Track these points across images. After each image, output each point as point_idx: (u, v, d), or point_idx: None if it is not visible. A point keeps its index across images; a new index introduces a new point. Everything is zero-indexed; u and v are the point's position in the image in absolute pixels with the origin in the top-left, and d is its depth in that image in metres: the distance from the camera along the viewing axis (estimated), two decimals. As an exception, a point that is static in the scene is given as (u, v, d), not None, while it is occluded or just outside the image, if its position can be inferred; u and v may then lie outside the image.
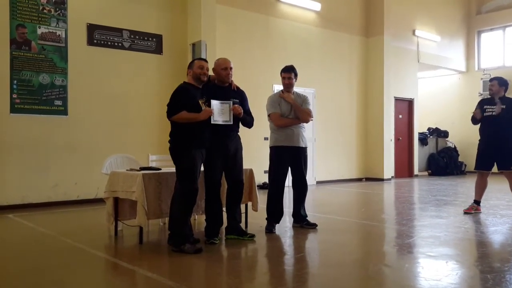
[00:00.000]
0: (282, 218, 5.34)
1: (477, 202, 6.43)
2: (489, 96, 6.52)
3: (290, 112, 5.23)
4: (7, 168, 6.99)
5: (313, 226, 5.36)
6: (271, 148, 5.29)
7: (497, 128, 6.11)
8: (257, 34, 9.83)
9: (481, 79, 14.46)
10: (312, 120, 5.38)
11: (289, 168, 5.32)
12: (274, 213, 5.23)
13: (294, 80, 5.33)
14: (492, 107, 6.16)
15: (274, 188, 5.25)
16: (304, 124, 5.33)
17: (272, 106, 5.26)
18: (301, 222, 5.39)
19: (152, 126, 8.32)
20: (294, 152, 5.23)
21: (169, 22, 8.69)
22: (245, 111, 4.64)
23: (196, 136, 4.26)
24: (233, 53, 8.66)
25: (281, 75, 5.36)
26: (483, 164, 6.31)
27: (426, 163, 14.09)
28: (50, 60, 7.35)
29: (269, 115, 5.28)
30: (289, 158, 5.23)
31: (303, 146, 5.28)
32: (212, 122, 4.35)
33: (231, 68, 4.60)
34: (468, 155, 13.68)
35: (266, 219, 5.24)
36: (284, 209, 5.35)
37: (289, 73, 5.31)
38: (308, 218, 5.45)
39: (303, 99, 5.34)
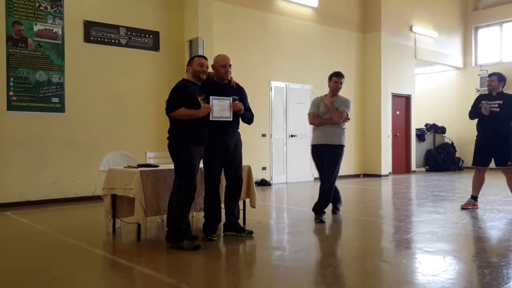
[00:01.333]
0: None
1: (474, 197, 6.45)
2: (486, 92, 6.53)
3: (327, 113, 5.70)
4: (5, 166, 6.97)
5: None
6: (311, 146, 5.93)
7: (494, 124, 6.11)
8: (255, 30, 9.82)
9: (478, 75, 14.48)
10: (347, 121, 5.84)
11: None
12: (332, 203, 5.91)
13: (341, 84, 5.86)
14: (490, 102, 6.17)
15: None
16: (344, 124, 5.83)
17: (312, 107, 5.87)
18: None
19: (149, 123, 8.31)
20: (324, 149, 5.70)
21: (166, 19, 8.67)
22: (245, 108, 4.63)
23: (194, 133, 4.26)
24: (230, 50, 8.64)
25: (331, 80, 5.85)
26: (481, 160, 6.32)
27: (423, 159, 14.12)
28: (47, 57, 7.33)
29: (308, 115, 5.86)
30: (321, 155, 5.76)
31: (333, 143, 5.68)
32: (211, 119, 4.35)
33: (230, 65, 4.59)
34: (465, 151, 13.72)
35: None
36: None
37: (340, 77, 5.85)
38: (308, 215, 5.44)
39: (342, 102, 5.78)
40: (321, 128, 5.73)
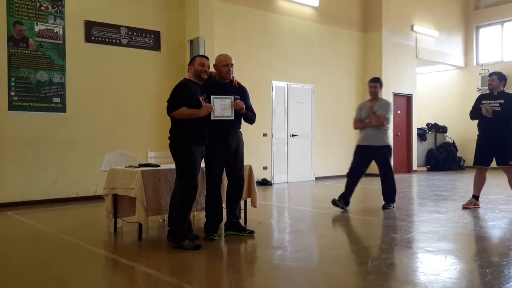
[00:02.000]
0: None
1: (475, 197, 6.44)
2: (487, 92, 6.51)
3: (368, 116, 6.27)
4: (6, 166, 6.98)
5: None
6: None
7: (495, 123, 6.10)
8: (256, 30, 9.81)
9: (480, 74, 14.46)
10: (386, 124, 6.25)
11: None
12: (344, 194, 6.32)
13: (379, 88, 6.35)
14: (490, 101, 6.16)
15: (351, 174, 6.42)
16: (386, 125, 6.28)
17: (356, 111, 6.55)
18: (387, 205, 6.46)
19: (150, 122, 8.31)
20: (368, 150, 6.25)
21: (167, 19, 8.67)
22: (247, 107, 4.62)
23: (196, 132, 4.26)
24: (231, 49, 8.62)
25: (368, 85, 6.43)
26: (482, 159, 6.31)
27: (424, 158, 14.11)
28: (48, 57, 7.33)
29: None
30: (364, 155, 6.31)
31: (375, 145, 6.21)
32: (212, 118, 4.34)
33: (232, 65, 4.58)
34: (467, 150, 13.69)
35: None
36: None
37: (375, 82, 6.37)
38: (309, 214, 5.45)
39: (380, 106, 6.25)
40: (365, 130, 6.32)
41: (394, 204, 6.44)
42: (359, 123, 6.41)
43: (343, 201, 6.29)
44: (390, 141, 6.42)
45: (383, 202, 6.49)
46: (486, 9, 14.89)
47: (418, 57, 13.34)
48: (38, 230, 5.33)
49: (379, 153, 6.25)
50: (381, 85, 6.42)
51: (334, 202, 6.26)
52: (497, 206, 6.61)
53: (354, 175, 6.42)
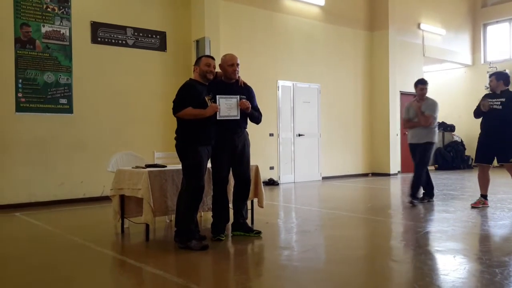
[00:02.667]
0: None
1: (484, 196, 6.40)
2: (490, 92, 6.52)
3: (415, 116, 6.63)
4: (14, 167, 7.02)
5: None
6: None
7: (497, 121, 6.09)
8: (261, 29, 9.80)
9: (487, 72, 14.31)
10: (434, 123, 6.62)
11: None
12: (424, 189, 6.86)
13: (426, 90, 6.73)
14: (493, 100, 6.15)
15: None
16: (433, 124, 6.63)
17: (404, 112, 6.93)
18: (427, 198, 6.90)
19: (157, 123, 8.33)
20: (415, 147, 6.67)
21: (173, 19, 8.68)
22: (253, 107, 4.60)
23: (202, 133, 4.25)
24: (237, 49, 8.62)
25: (416, 87, 6.77)
26: (484, 157, 6.28)
27: (432, 157, 13.99)
28: (55, 59, 7.36)
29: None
30: (414, 151, 6.70)
31: (419, 142, 6.59)
32: (218, 118, 4.33)
33: (238, 64, 4.57)
34: (475, 149, 13.56)
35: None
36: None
37: (424, 85, 6.73)
38: (316, 214, 5.44)
39: (428, 106, 6.61)
40: (413, 129, 6.70)
41: (416, 201, 6.63)
42: (408, 123, 6.76)
43: (427, 197, 6.87)
44: (436, 139, 6.77)
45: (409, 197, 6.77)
46: (494, 6, 14.77)
47: (425, 56, 13.26)
48: (46, 231, 5.35)
49: (422, 148, 6.58)
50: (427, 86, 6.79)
51: (420, 200, 6.77)
52: (506, 205, 6.56)
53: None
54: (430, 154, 6.71)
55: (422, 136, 6.58)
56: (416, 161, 6.71)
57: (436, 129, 6.76)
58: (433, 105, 6.62)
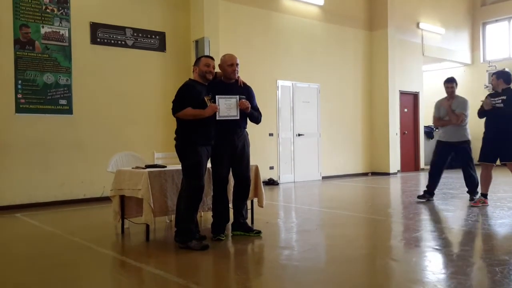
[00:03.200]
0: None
1: (484, 195, 6.40)
2: (493, 90, 6.54)
3: (446, 114, 6.65)
4: (14, 168, 7.02)
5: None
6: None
7: (501, 120, 6.10)
8: (261, 29, 9.80)
9: (487, 71, 14.34)
10: (465, 121, 6.62)
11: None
12: (429, 187, 6.92)
13: (455, 88, 6.75)
14: (496, 99, 6.17)
15: (432, 168, 7.00)
16: (464, 122, 6.63)
17: (434, 110, 6.91)
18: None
19: (156, 123, 8.33)
20: (449, 146, 6.68)
21: (172, 19, 8.68)
22: (252, 107, 4.60)
23: (201, 133, 4.26)
24: (237, 49, 8.62)
25: (445, 86, 6.77)
26: (487, 156, 6.29)
27: (432, 156, 14.00)
28: (54, 60, 7.37)
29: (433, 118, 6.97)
30: (445, 151, 6.76)
31: (456, 141, 6.62)
32: (217, 118, 4.33)
33: (237, 64, 4.57)
34: (475, 148, 13.56)
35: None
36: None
37: (451, 83, 6.75)
38: (316, 214, 5.44)
39: (458, 104, 6.62)
40: (446, 128, 6.71)
41: (477, 195, 6.61)
42: (439, 121, 6.80)
43: (428, 194, 6.85)
44: (469, 136, 6.74)
45: (469, 196, 6.73)
46: (493, 5, 14.77)
47: (425, 55, 13.26)
48: (46, 231, 5.35)
49: (460, 148, 6.61)
50: (456, 84, 6.78)
51: (419, 197, 6.92)
52: (506, 204, 6.56)
53: (436, 169, 6.88)
54: (471, 151, 6.74)
55: (456, 135, 6.62)
56: (462, 161, 6.71)
57: (468, 126, 6.73)
58: (463, 103, 6.62)
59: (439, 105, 6.86)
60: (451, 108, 6.60)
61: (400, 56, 12.31)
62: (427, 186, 6.95)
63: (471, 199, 6.63)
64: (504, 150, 6.13)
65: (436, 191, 7.02)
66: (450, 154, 6.79)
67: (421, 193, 7.04)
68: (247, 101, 4.50)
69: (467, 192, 6.76)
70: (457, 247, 4.22)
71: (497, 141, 6.14)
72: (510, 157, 6.09)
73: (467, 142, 6.68)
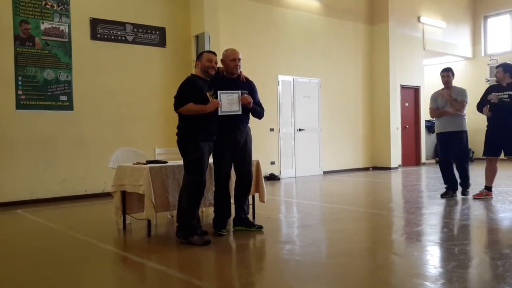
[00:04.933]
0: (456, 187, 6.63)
1: (488, 188, 6.42)
2: (496, 83, 6.52)
3: (446, 104, 6.50)
4: (15, 164, 7.03)
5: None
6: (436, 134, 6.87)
7: (504, 114, 6.10)
8: (261, 24, 9.77)
9: (488, 65, 14.30)
10: (463, 110, 6.49)
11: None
12: (447, 183, 6.69)
13: (451, 77, 6.60)
14: (499, 93, 6.15)
15: (440, 162, 6.81)
16: (462, 112, 6.50)
17: (431, 101, 6.83)
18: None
19: (157, 119, 8.32)
20: (448, 136, 6.53)
21: (172, 15, 8.66)
22: (255, 102, 4.58)
23: (203, 128, 4.25)
24: (237, 44, 8.53)
25: (441, 75, 6.66)
26: (491, 150, 6.30)
27: (433, 151, 14.00)
28: (54, 56, 7.35)
29: (429, 109, 6.86)
30: (446, 141, 6.57)
31: (455, 130, 6.45)
32: (219, 114, 4.31)
33: (239, 59, 4.54)
34: (476, 141, 13.46)
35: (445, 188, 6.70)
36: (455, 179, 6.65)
37: (446, 72, 6.63)
38: (317, 208, 5.44)
39: (458, 92, 6.51)
40: (442, 118, 6.56)
41: (468, 190, 6.60)
42: (436, 111, 6.67)
43: (451, 191, 6.63)
44: (467, 126, 6.63)
45: (461, 189, 6.62)
46: (494, -2, 14.70)
47: (426, 49, 13.22)
48: (48, 227, 5.36)
49: (457, 138, 6.47)
50: (453, 74, 6.64)
51: (442, 196, 6.63)
52: (508, 197, 6.56)
53: (445, 163, 6.68)
54: (468, 143, 6.63)
55: (457, 125, 6.47)
56: (459, 151, 6.54)
57: (466, 117, 6.62)
58: (463, 91, 6.51)
59: (435, 96, 6.72)
60: (451, 97, 6.44)
61: (401, 50, 12.27)
62: (445, 183, 6.75)
63: (463, 194, 6.57)
64: (508, 144, 6.13)
65: (437, 185, 7.03)
66: (451, 143, 6.62)
67: (444, 190, 6.77)
68: (249, 96, 4.48)
69: (459, 184, 6.65)
70: (458, 241, 4.22)
71: (501, 134, 6.14)
72: None
73: (465, 133, 6.54)
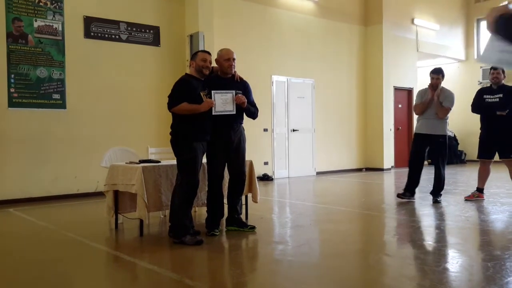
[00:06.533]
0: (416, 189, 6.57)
1: (479, 189, 6.47)
2: (488, 85, 6.56)
3: (432, 105, 6.26)
4: (7, 162, 6.98)
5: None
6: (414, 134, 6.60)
7: (497, 116, 6.13)
8: (255, 24, 9.77)
9: (481, 67, 14.38)
10: (447, 116, 6.36)
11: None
12: (408, 185, 6.53)
13: (441, 80, 6.37)
14: (490, 96, 6.20)
15: (409, 163, 6.65)
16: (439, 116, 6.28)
17: (417, 99, 6.56)
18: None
19: (151, 118, 8.30)
20: (427, 138, 6.31)
21: (166, 14, 8.63)
22: (249, 102, 4.58)
23: (197, 128, 4.24)
24: (231, 44, 8.51)
25: (430, 75, 6.41)
26: (485, 152, 6.34)
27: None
28: (47, 54, 7.31)
29: (414, 106, 6.58)
30: (422, 143, 6.38)
31: (433, 133, 6.26)
32: (213, 113, 4.31)
33: (234, 59, 4.54)
34: (468, 144, 13.67)
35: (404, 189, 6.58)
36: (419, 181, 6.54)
37: (436, 74, 6.37)
38: (310, 209, 5.45)
39: (445, 97, 6.28)
40: (424, 119, 6.32)
41: (440, 198, 6.45)
42: (419, 107, 6.37)
43: (408, 193, 6.51)
44: (448, 131, 6.47)
45: (432, 196, 6.46)
46: (487, 1, 14.78)
47: (419, 51, 13.28)
48: (40, 226, 5.33)
49: (437, 142, 6.29)
50: (443, 76, 6.41)
51: (399, 195, 6.56)
52: (499, 199, 6.61)
53: (415, 164, 6.53)
54: (447, 148, 6.43)
55: (436, 128, 6.25)
56: (437, 156, 6.41)
57: (448, 121, 6.47)
58: (450, 96, 6.26)
59: (423, 93, 6.45)
60: (438, 100, 6.21)
61: (394, 52, 12.32)
62: (407, 185, 6.56)
63: (435, 201, 6.35)
64: (502, 146, 6.18)
65: (430, 187, 7.03)
66: (426, 148, 6.46)
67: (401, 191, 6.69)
68: (244, 96, 4.48)
69: (432, 190, 6.48)
70: (450, 242, 4.24)
71: (494, 137, 6.18)
72: (507, 154, 6.14)
73: (445, 137, 6.33)
